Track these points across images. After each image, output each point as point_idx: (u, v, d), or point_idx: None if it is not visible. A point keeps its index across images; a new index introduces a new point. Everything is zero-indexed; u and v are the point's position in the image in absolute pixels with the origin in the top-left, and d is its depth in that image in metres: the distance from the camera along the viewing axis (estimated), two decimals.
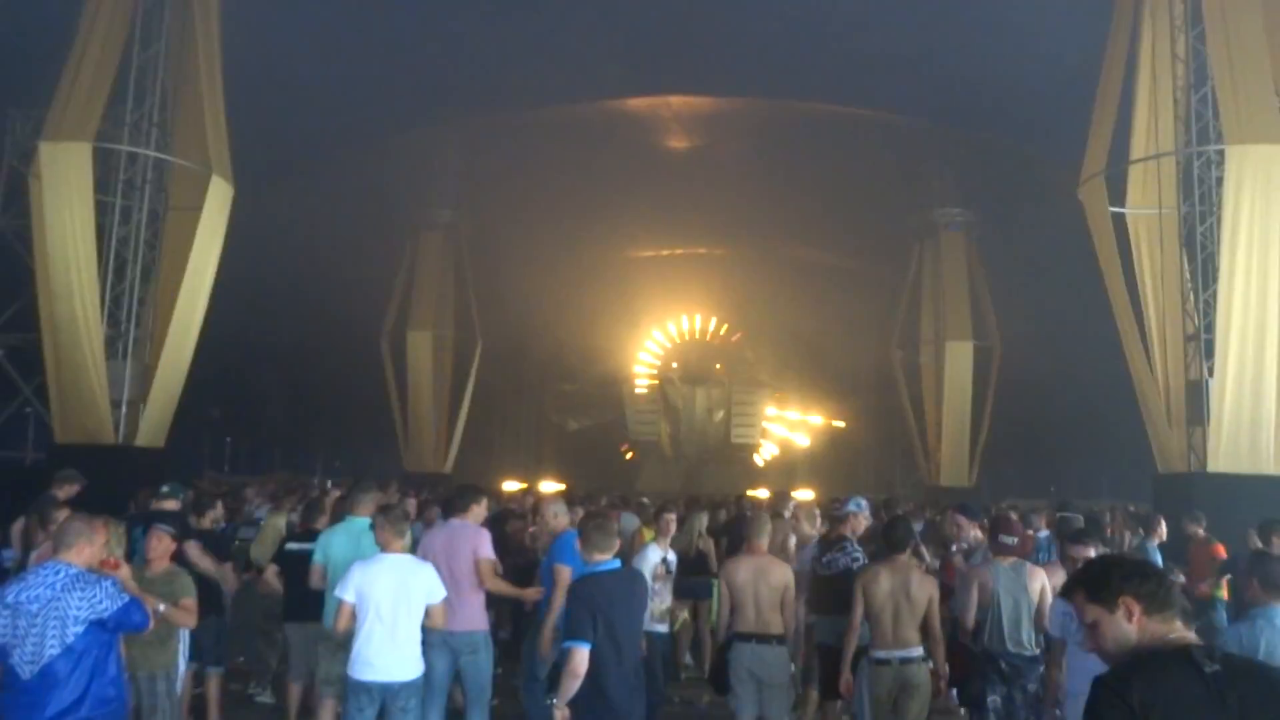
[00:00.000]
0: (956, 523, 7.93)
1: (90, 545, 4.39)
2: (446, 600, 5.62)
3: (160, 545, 5.74)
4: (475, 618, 6.11)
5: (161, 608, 5.10)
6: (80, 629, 4.14)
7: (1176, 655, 2.35)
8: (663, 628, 7.31)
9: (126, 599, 4.32)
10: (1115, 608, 2.46)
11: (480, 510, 6.53)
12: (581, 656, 4.41)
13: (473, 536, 6.26)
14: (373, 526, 5.74)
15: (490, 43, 17.53)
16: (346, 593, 5.32)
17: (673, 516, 8.20)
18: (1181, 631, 2.44)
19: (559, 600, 6.26)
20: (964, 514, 8.00)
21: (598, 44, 17.23)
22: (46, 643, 4.08)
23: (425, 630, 5.64)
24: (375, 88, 17.78)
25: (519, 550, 8.95)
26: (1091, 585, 2.54)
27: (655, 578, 7.17)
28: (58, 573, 4.21)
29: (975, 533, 7.55)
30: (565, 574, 6.28)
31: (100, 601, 4.21)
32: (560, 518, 6.84)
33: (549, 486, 21.47)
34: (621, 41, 17.65)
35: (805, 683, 7.40)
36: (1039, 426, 23.52)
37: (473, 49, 17.56)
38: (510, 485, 21.28)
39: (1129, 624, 2.44)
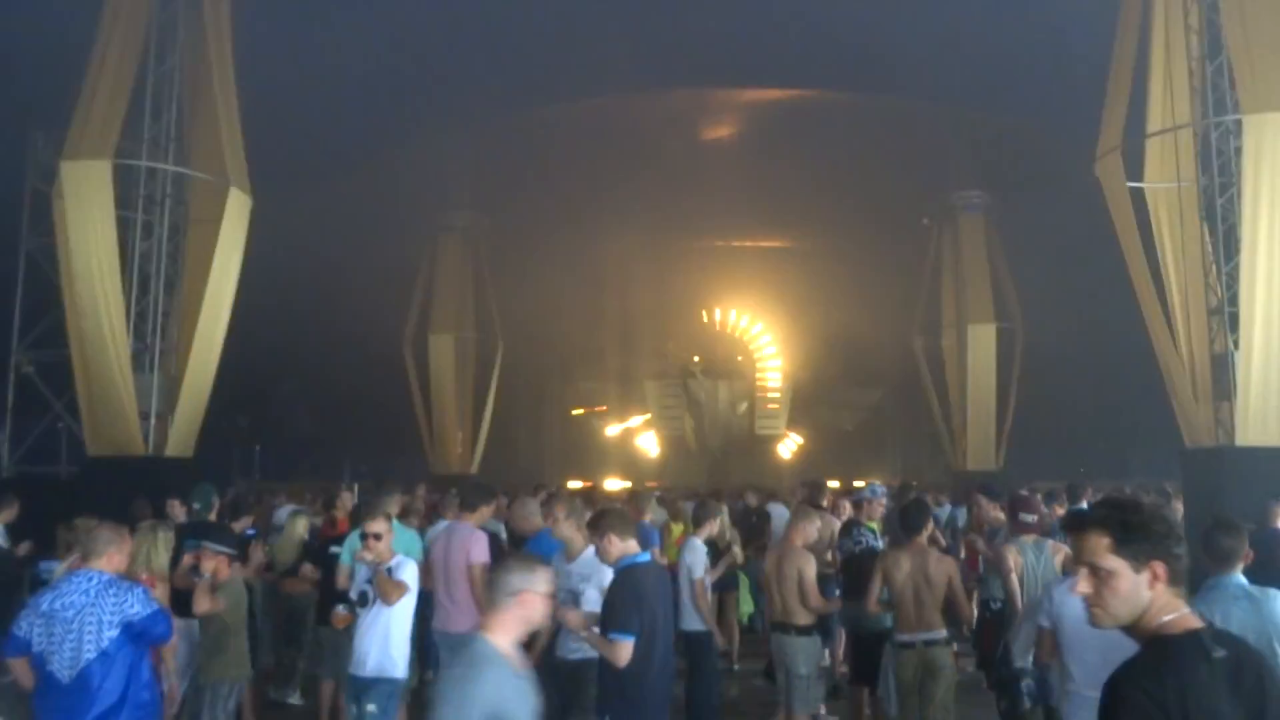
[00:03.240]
0: (978, 503, 7.89)
1: (119, 553, 4.55)
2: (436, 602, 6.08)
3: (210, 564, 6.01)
4: (468, 621, 5.86)
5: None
6: (115, 633, 4.28)
7: (1190, 641, 2.08)
8: (705, 626, 6.93)
9: (155, 607, 4.48)
10: (1143, 568, 2.12)
11: (488, 512, 6.40)
12: (625, 649, 4.23)
13: (467, 539, 6.14)
14: (362, 536, 5.62)
15: (504, 39, 17.58)
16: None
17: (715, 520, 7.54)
18: (1184, 609, 2.13)
19: None
20: (986, 495, 7.96)
21: (612, 38, 17.23)
22: (84, 647, 4.22)
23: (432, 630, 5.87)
24: (389, 89, 17.87)
25: None
26: (1124, 532, 2.14)
27: (706, 570, 6.87)
28: (90, 580, 4.35)
29: (996, 514, 7.53)
30: None
31: (131, 605, 4.37)
32: (534, 518, 6.53)
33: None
34: (636, 35, 17.63)
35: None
36: (1065, 407, 23.33)
37: (487, 46, 17.61)
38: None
39: (1148, 590, 2.11)
